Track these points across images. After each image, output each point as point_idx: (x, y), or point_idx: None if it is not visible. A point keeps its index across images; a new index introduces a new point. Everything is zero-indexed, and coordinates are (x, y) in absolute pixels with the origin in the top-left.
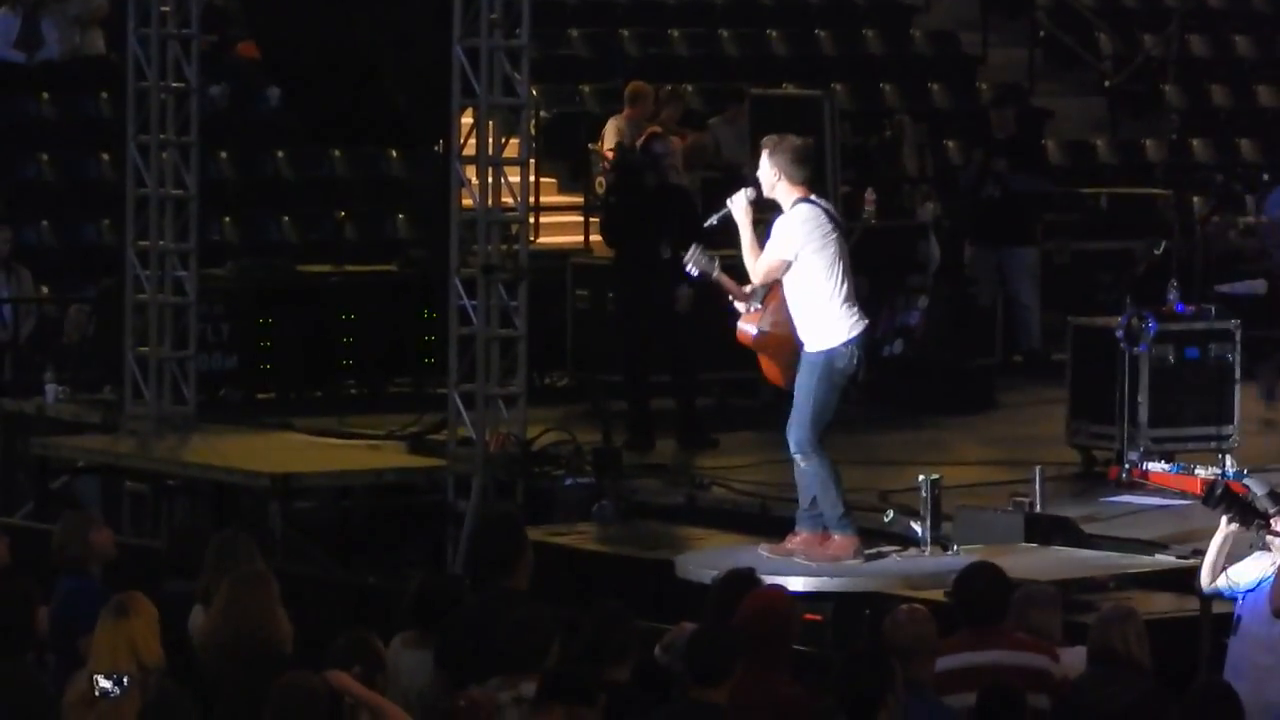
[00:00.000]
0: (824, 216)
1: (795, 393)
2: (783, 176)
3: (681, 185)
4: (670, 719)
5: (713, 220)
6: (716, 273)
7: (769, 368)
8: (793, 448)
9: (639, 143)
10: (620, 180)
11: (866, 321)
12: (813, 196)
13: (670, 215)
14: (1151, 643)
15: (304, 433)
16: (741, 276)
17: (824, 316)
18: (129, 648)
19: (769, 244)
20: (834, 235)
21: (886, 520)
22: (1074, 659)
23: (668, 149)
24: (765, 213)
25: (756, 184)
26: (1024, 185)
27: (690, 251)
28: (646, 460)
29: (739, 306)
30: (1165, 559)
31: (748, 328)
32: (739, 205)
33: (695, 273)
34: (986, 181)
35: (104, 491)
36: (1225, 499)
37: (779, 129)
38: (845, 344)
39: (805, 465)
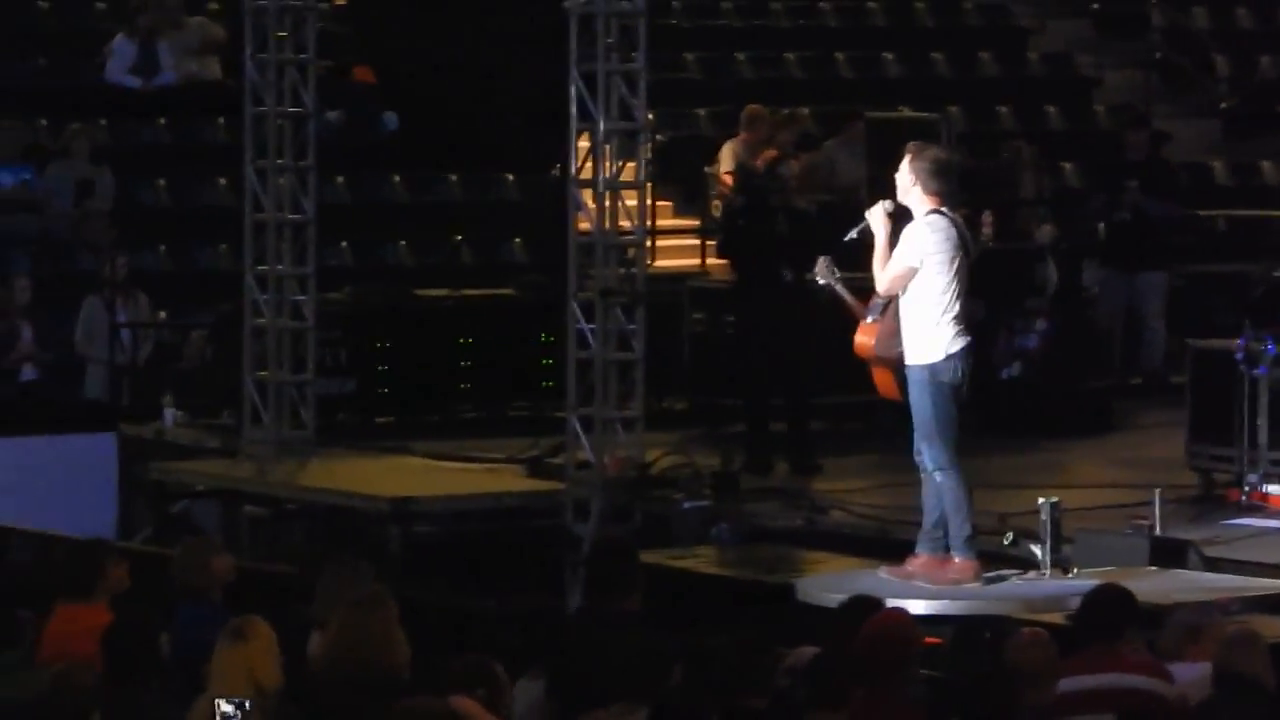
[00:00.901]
0: (954, 231)
1: (914, 412)
2: (918, 183)
3: (802, 208)
4: None
5: (852, 234)
6: (838, 284)
7: (884, 381)
8: (930, 465)
9: (762, 164)
10: (744, 202)
11: (969, 339)
12: (945, 209)
13: (792, 238)
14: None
15: (422, 456)
16: (866, 299)
17: (932, 330)
18: (246, 671)
19: (896, 251)
20: (960, 252)
21: (1006, 543)
22: (1191, 675)
23: (791, 171)
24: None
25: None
26: (1157, 209)
27: (819, 262)
28: (764, 484)
29: (862, 317)
30: None
31: (866, 339)
32: (877, 216)
33: (821, 282)
34: (1119, 205)
35: (223, 516)
36: None
37: (895, 152)
38: (947, 358)
39: (943, 480)
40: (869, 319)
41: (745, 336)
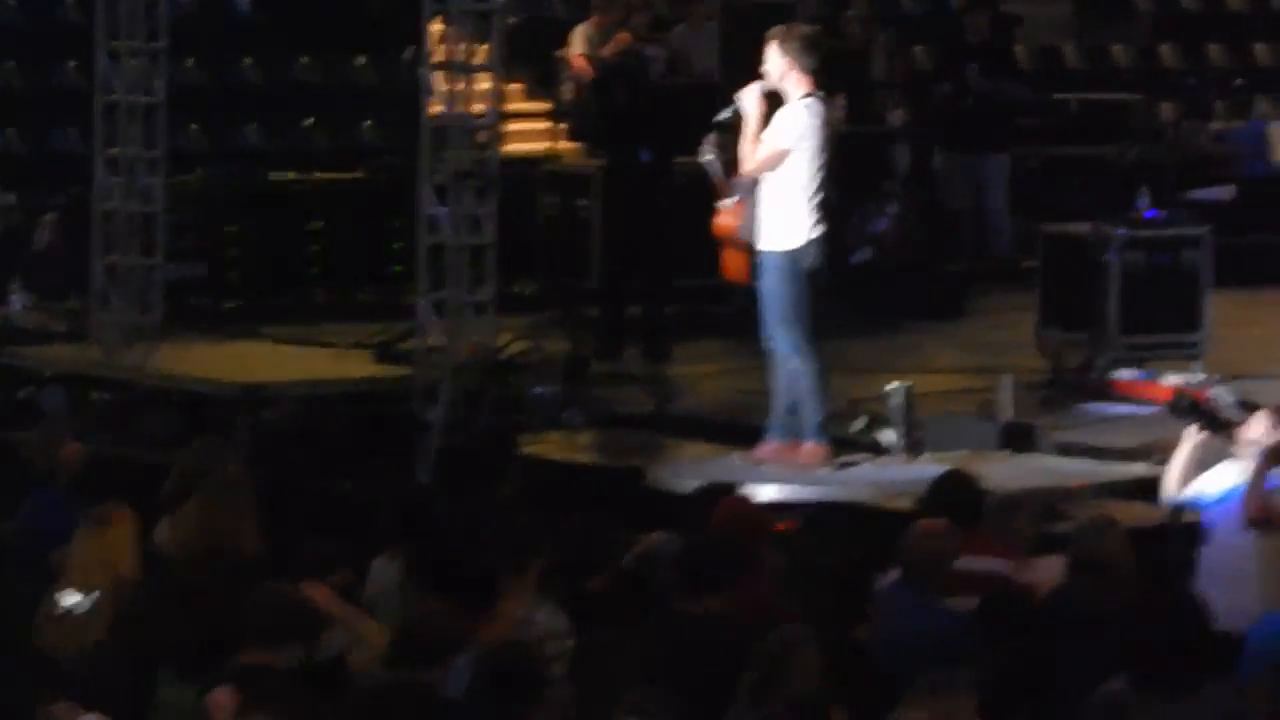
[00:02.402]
0: (824, 118)
1: (768, 297)
2: (795, 66)
3: (665, 88)
4: (661, 630)
5: (724, 115)
6: (718, 163)
7: (735, 264)
8: (784, 349)
9: (626, 48)
10: (602, 83)
11: (825, 227)
12: (819, 94)
13: (656, 120)
14: None
15: (272, 341)
16: None
17: (793, 215)
18: (105, 560)
19: (770, 133)
20: (825, 140)
21: (858, 428)
22: (1047, 569)
23: (659, 54)
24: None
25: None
26: (998, 91)
27: (705, 140)
28: (616, 369)
29: (723, 201)
30: (1137, 467)
31: (729, 220)
32: (750, 97)
33: (703, 159)
34: (963, 88)
35: (70, 401)
36: (1192, 408)
37: (749, 36)
38: (807, 243)
39: (797, 366)
40: (730, 200)
41: (604, 220)
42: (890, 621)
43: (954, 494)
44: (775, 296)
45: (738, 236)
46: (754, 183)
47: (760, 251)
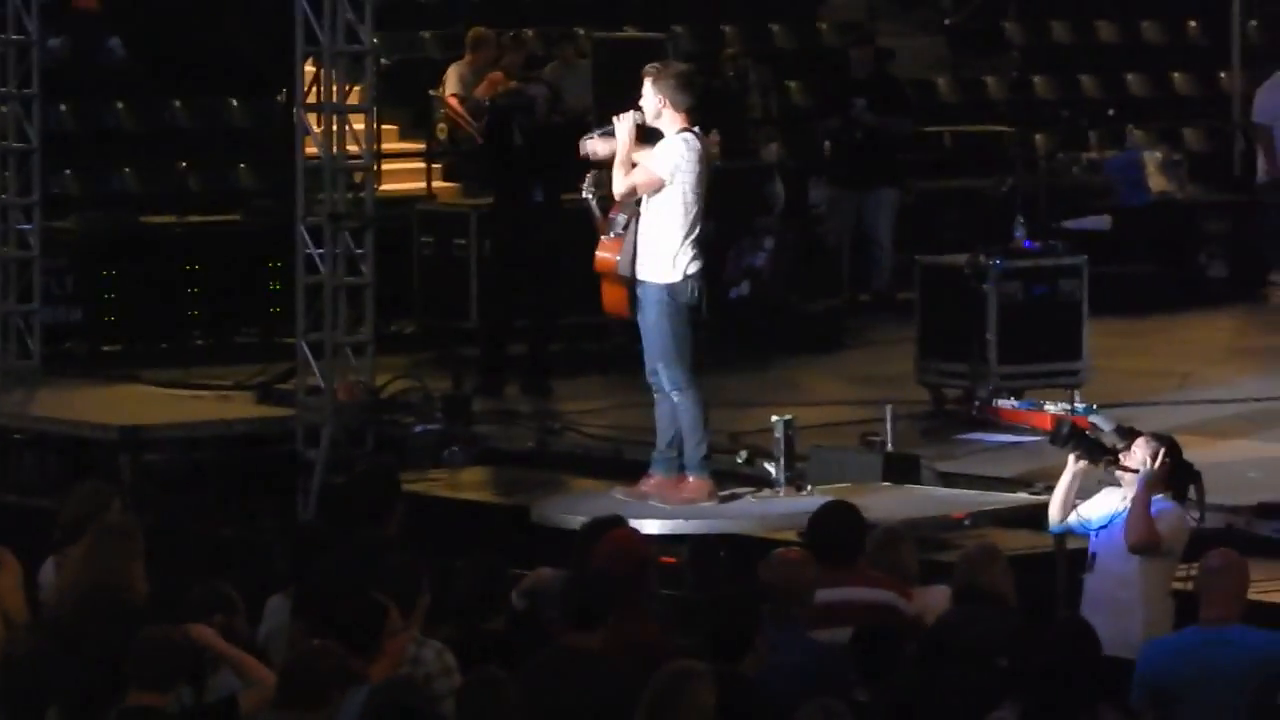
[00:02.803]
0: (702, 153)
1: (648, 333)
2: (668, 104)
3: (549, 125)
4: (546, 666)
5: (592, 135)
6: (595, 200)
7: (614, 299)
8: (667, 385)
9: (510, 87)
10: (498, 125)
11: (703, 261)
12: (696, 130)
13: (541, 157)
14: None
15: (151, 384)
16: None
17: (672, 250)
18: None
19: (646, 160)
20: (703, 174)
21: (740, 461)
22: (933, 598)
23: (541, 92)
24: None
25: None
26: (890, 126)
27: (587, 176)
28: (497, 406)
29: (605, 233)
30: (1019, 496)
31: (608, 255)
32: (625, 126)
33: (585, 195)
34: (850, 123)
35: None
36: (1073, 436)
37: (622, 72)
38: (685, 278)
39: (680, 400)
40: (610, 234)
41: (493, 258)
42: (770, 655)
43: (836, 525)
44: (656, 330)
45: (616, 270)
46: (630, 219)
47: (640, 285)
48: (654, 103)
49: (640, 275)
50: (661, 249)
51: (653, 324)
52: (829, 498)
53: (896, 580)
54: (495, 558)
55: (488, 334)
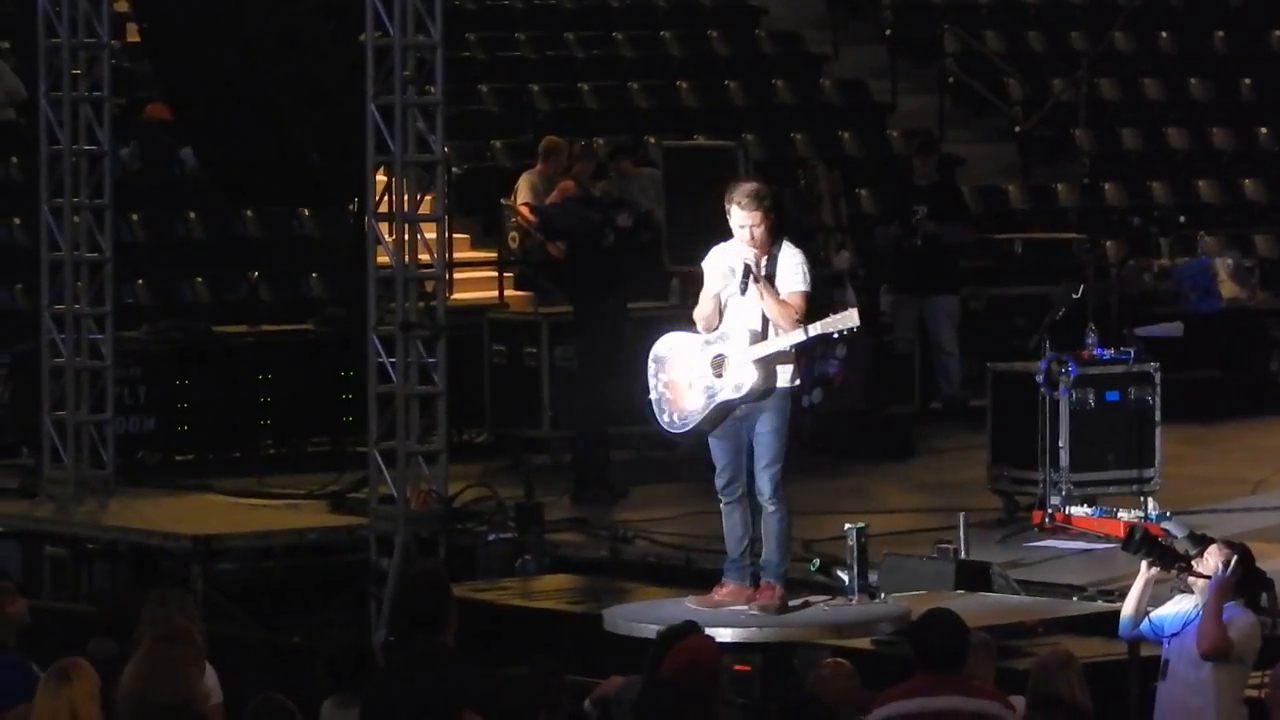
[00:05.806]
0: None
1: (770, 437)
2: (758, 220)
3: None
4: None
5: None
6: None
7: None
8: (768, 490)
9: (559, 197)
10: (575, 233)
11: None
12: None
13: (629, 268)
14: None
15: (223, 494)
16: None
17: (793, 354)
18: (69, 714)
19: (793, 278)
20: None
21: (812, 569)
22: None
23: (615, 193)
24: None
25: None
26: (948, 234)
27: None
28: (569, 514)
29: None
30: (1092, 603)
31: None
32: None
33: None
34: (910, 230)
35: (23, 557)
36: (1145, 543)
37: (693, 181)
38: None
39: (776, 509)
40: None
41: (580, 366)
42: None
43: (941, 631)
44: (777, 436)
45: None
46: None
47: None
48: (752, 220)
49: (777, 382)
50: (784, 354)
51: (774, 430)
52: (902, 606)
53: (998, 690)
54: (546, 659)
55: (593, 442)
